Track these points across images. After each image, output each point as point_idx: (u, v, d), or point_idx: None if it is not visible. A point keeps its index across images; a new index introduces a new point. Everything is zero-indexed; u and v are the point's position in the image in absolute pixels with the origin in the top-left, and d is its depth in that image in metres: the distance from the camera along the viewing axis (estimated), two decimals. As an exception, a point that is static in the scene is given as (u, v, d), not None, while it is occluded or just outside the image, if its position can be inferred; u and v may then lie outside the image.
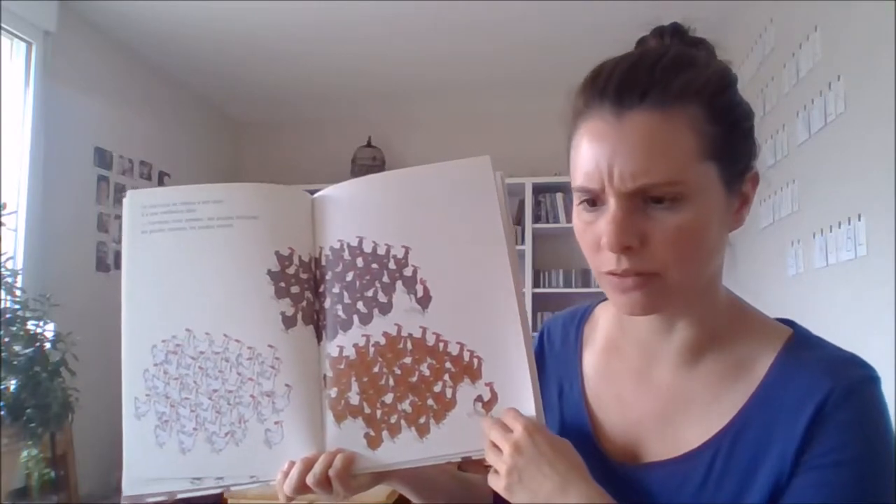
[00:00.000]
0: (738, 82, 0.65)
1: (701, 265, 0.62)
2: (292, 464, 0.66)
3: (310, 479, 0.65)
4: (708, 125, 0.59)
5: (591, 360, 0.76)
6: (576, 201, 0.63)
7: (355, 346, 0.69)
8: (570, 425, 0.73)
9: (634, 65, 0.61)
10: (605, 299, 0.79)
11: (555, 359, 0.79)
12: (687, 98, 0.59)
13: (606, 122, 0.59)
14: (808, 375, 0.61)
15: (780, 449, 0.60)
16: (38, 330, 1.91)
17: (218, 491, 0.68)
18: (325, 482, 0.65)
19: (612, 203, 0.59)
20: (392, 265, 0.70)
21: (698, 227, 0.59)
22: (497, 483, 0.62)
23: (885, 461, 0.59)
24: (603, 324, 0.78)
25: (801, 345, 0.65)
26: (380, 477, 0.70)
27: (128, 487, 0.68)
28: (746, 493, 0.61)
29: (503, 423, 0.64)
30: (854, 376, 0.60)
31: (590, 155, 0.60)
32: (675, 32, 0.66)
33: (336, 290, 0.71)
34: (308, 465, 0.66)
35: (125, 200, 0.73)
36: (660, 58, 0.61)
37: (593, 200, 0.61)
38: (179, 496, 0.68)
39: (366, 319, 0.69)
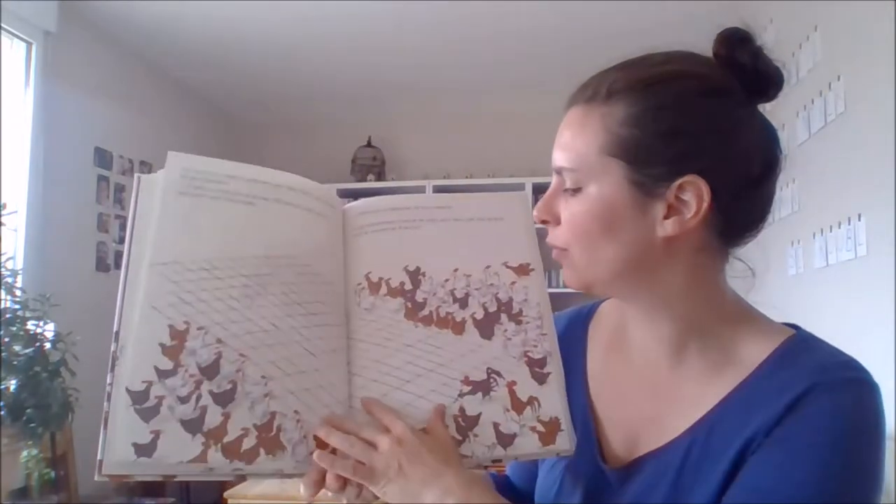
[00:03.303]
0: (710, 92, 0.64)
1: (597, 251, 0.64)
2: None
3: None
4: (619, 125, 0.62)
5: (595, 358, 0.76)
6: None
7: None
8: (574, 426, 0.73)
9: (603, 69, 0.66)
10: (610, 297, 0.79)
11: None
12: (607, 96, 0.63)
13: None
14: (794, 371, 0.60)
15: (752, 433, 0.59)
16: (38, 330, 1.92)
17: (231, 478, 0.63)
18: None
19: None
20: None
21: (591, 216, 0.64)
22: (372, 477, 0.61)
23: (854, 464, 0.56)
24: (607, 322, 0.78)
25: (799, 346, 0.64)
26: None
27: (116, 466, 0.57)
28: (718, 477, 0.60)
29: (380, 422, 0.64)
30: (843, 375, 0.59)
31: None
32: (722, 41, 0.70)
33: None
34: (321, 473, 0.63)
35: (168, 161, 0.68)
36: (618, 61, 0.65)
37: None
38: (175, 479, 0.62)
39: None
